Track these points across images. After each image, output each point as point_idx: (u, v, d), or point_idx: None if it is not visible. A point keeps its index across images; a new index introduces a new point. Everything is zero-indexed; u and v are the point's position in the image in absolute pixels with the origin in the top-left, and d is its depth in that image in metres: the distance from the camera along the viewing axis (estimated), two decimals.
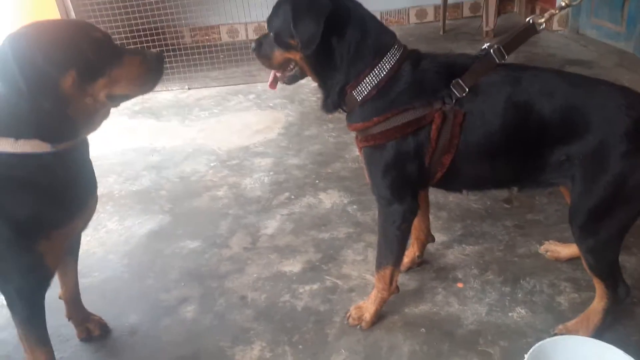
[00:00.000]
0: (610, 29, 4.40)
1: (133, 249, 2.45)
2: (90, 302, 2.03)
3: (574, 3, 1.68)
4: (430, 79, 1.58)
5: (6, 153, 1.32)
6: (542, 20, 1.64)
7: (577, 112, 1.49)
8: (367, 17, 1.62)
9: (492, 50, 1.57)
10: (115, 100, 1.45)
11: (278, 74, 1.77)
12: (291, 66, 1.71)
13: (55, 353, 1.63)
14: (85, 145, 1.52)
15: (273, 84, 1.81)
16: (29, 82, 1.26)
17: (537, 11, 4.90)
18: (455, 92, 1.54)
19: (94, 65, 1.35)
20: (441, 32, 5.24)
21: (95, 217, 2.74)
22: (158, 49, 4.54)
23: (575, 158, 1.51)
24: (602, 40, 4.49)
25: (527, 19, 1.66)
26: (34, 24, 1.34)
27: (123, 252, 2.43)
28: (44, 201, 1.40)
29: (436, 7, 5.49)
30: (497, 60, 1.57)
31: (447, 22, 5.28)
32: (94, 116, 1.44)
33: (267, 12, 1.70)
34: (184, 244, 2.45)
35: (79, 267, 2.16)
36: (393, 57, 1.58)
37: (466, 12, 5.68)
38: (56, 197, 1.43)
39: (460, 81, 1.53)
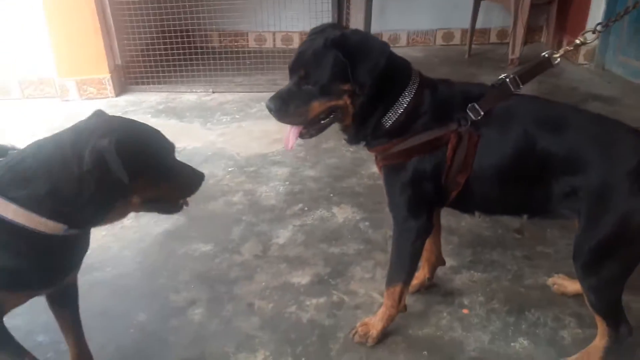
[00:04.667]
0: (637, 67, 4.38)
1: (147, 247, 2.50)
2: (101, 298, 2.08)
3: (589, 41, 1.71)
4: (448, 103, 1.64)
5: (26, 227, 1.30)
6: (557, 55, 1.69)
7: (584, 146, 1.52)
8: (391, 51, 1.64)
9: (507, 80, 1.63)
10: (145, 204, 1.46)
11: (303, 131, 1.69)
12: (322, 116, 1.65)
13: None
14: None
15: (292, 144, 1.70)
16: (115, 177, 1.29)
17: (564, 44, 4.89)
18: (471, 115, 1.59)
19: (157, 173, 1.41)
20: (466, 56, 5.25)
21: None
22: (186, 52, 4.64)
23: (580, 191, 1.53)
24: (627, 78, 4.46)
25: (543, 53, 1.71)
26: (124, 125, 1.42)
27: (137, 249, 2.48)
28: (22, 266, 1.36)
29: (463, 31, 5.51)
30: (512, 89, 1.62)
31: (473, 46, 5.28)
32: (124, 213, 1.47)
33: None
34: (197, 246, 2.50)
35: (92, 261, 2.18)
36: (414, 84, 1.64)
37: (493, 38, 5.69)
38: (37, 267, 1.39)
39: (476, 105, 1.59)
